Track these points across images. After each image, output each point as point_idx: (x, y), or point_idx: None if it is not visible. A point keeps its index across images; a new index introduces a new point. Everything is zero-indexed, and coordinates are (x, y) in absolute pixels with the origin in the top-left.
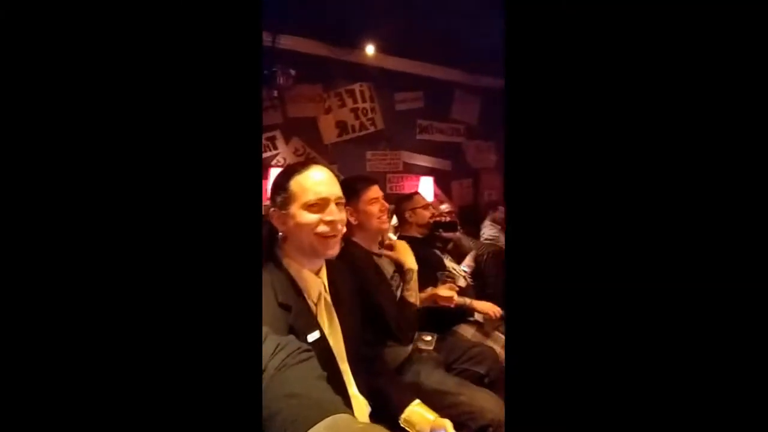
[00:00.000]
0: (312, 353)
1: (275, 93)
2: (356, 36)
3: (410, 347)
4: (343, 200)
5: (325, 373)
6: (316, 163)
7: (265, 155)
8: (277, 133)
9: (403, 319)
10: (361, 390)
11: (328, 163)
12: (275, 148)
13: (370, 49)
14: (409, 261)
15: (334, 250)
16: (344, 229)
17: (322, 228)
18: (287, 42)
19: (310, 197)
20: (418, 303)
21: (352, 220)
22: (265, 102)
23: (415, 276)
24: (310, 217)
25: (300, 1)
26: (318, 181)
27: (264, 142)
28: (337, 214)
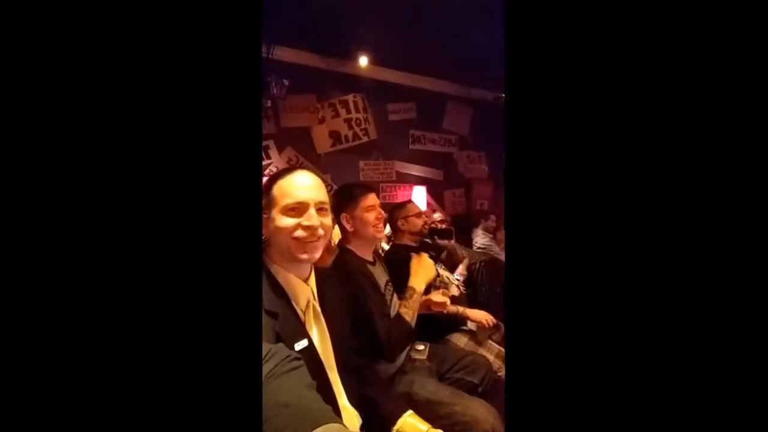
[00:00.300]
0: (302, 362)
1: (269, 103)
2: (350, 47)
3: (401, 358)
4: (327, 206)
5: (314, 382)
6: (306, 168)
7: None
8: (271, 143)
9: (394, 336)
10: (352, 400)
11: (321, 172)
12: (268, 157)
13: (363, 61)
14: (417, 281)
15: (312, 255)
16: (327, 235)
17: (299, 233)
18: (282, 53)
19: (289, 201)
20: (413, 323)
21: (347, 227)
22: None
23: (416, 297)
24: (287, 221)
25: (295, 12)
26: (299, 185)
27: None
28: (316, 219)
